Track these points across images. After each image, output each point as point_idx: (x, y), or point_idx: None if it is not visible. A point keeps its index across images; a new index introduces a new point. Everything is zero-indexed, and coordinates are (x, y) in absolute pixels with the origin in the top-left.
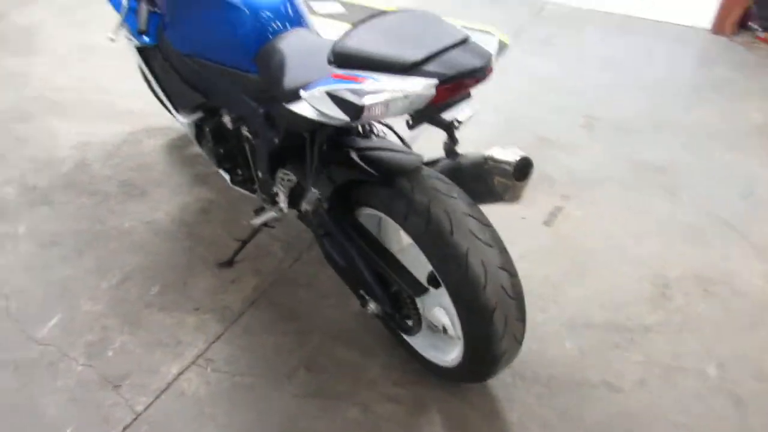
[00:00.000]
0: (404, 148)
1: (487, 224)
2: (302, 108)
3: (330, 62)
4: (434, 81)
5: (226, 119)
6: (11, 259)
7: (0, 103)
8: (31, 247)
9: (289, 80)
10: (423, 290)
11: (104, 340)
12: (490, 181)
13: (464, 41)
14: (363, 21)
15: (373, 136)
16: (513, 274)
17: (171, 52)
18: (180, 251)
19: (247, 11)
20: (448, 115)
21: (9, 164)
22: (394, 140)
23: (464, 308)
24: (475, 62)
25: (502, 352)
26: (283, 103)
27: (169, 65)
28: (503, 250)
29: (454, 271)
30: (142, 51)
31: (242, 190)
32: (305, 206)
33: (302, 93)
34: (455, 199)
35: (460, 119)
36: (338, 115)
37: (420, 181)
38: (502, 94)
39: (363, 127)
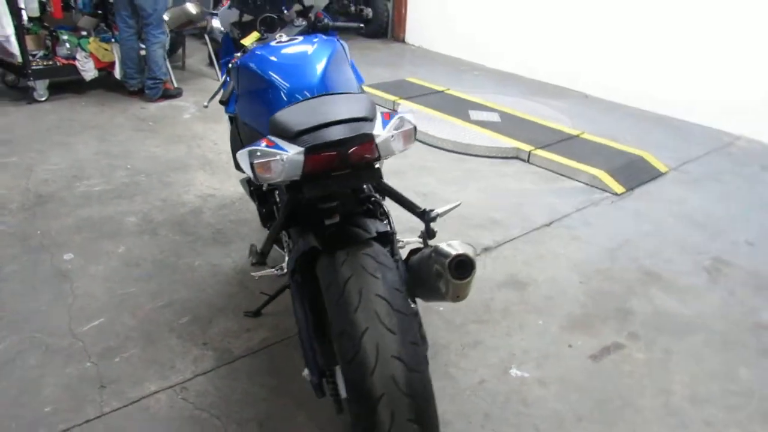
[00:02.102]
0: (368, 226)
1: (400, 311)
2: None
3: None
4: (301, 149)
5: None
6: (100, 269)
7: (173, 155)
8: (118, 264)
9: None
10: (332, 363)
11: (120, 348)
12: (432, 274)
13: (357, 119)
14: (306, 98)
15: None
16: (414, 369)
17: (237, 119)
18: (224, 294)
19: (266, 80)
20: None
21: (146, 200)
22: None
23: (350, 391)
24: (340, 136)
25: None
26: None
27: (236, 130)
28: (409, 342)
29: (346, 349)
30: (231, 120)
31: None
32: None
33: (238, 153)
34: (376, 279)
35: (438, 212)
36: (249, 172)
37: (355, 257)
38: (629, 220)
39: (378, 210)
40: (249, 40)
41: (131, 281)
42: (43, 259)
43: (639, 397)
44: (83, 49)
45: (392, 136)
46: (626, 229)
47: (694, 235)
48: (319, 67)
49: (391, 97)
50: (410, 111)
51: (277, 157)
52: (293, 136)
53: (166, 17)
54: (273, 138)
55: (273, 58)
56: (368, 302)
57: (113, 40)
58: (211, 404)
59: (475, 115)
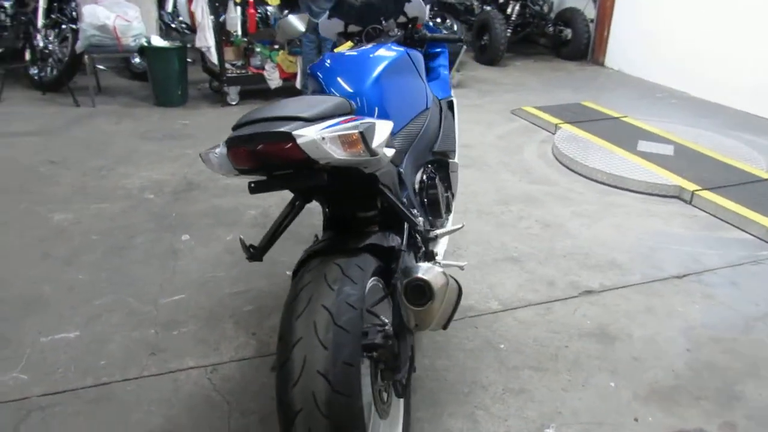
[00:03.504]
0: (365, 238)
1: (343, 328)
2: None
3: None
4: (224, 142)
5: None
6: (203, 252)
7: None
8: (221, 250)
9: None
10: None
11: (183, 323)
12: (400, 299)
13: (288, 118)
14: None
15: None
16: (338, 390)
17: None
18: None
19: (318, 83)
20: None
21: (271, 196)
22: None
23: (276, 397)
24: (251, 131)
25: None
26: None
27: None
28: (342, 362)
29: (279, 354)
30: None
31: None
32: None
33: None
34: (330, 291)
35: (437, 232)
36: None
37: (325, 264)
38: None
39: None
40: (341, 49)
41: (222, 266)
42: (166, 237)
43: None
44: (272, 61)
45: (323, 138)
46: None
47: None
48: (366, 74)
49: (555, 120)
50: (569, 136)
51: (214, 149)
52: (233, 130)
53: (301, 27)
54: None
55: (329, 66)
56: (311, 312)
57: (300, 53)
58: (228, 390)
59: (644, 146)
